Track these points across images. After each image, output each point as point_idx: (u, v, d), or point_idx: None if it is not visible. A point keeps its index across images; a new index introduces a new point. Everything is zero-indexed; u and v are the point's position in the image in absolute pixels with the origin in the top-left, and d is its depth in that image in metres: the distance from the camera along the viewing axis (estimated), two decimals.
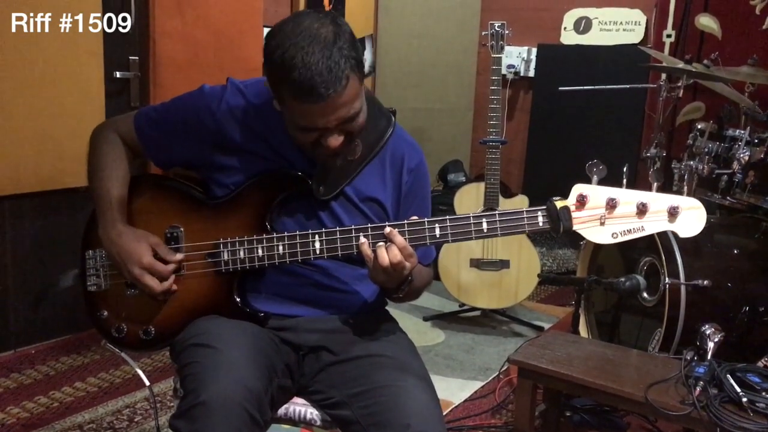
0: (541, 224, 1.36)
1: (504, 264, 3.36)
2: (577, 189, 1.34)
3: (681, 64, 2.98)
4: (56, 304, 2.98)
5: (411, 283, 1.46)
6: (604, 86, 3.78)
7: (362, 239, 1.39)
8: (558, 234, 1.36)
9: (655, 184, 1.37)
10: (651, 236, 2.36)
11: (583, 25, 4.54)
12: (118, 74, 3.07)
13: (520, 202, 3.43)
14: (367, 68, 4.67)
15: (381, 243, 1.37)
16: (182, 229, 1.53)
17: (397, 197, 1.57)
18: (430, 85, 4.88)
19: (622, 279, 2.21)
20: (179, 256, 1.51)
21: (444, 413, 2.52)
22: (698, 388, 1.73)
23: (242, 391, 1.25)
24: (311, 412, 1.49)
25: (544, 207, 1.35)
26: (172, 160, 1.60)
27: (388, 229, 1.37)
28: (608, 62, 4.34)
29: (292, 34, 1.30)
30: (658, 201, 1.32)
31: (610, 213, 1.33)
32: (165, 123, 1.56)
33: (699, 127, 2.87)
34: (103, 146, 1.59)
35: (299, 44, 1.29)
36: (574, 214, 1.34)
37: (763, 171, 2.53)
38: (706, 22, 3.81)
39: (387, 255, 1.35)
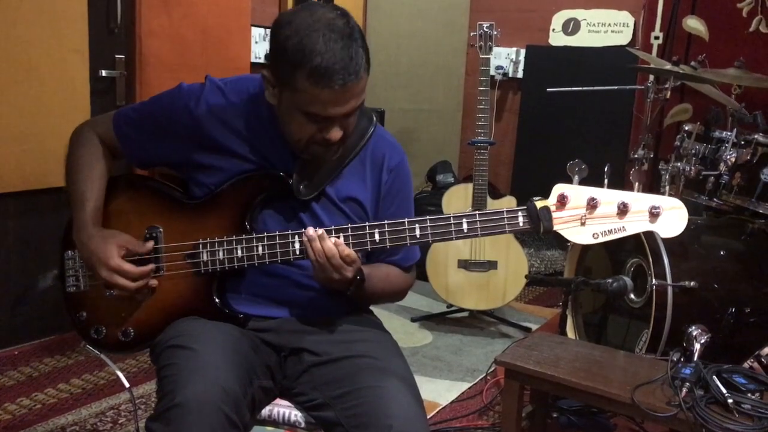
0: (521, 224, 1.35)
1: (492, 265, 3.35)
2: (558, 189, 1.33)
3: (668, 66, 2.98)
4: (40, 304, 2.94)
5: (361, 283, 1.44)
6: (592, 87, 3.78)
7: (303, 237, 1.38)
8: (539, 234, 1.35)
9: (637, 183, 1.37)
10: (638, 238, 2.38)
11: (571, 27, 4.55)
12: (103, 73, 3.05)
13: (508, 203, 3.43)
14: None
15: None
16: (162, 230, 1.51)
17: (376, 196, 1.56)
18: (418, 86, 4.87)
19: (609, 280, 2.21)
20: (149, 244, 1.49)
21: (431, 414, 2.53)
22: (684, 389, 1.72)
23: (219, 393, 1.24)
24: (295, 414, 1.48)
25: (525, 207, 1.35)
26: (151, 160, 1.59)
27: (320, 231, 1.37)
28: (596, 63, 4.34)
29: (310, 21, 1.31)
30: (640, 201, 1.31)
31: (590, 213, 1.32)
32: (143, 122, 1.54)
33: (686, 128, 2.87)
34: (80, 147, 1.57)
35: (320, 31, 1.30)
36: (554, 214, 1.33)
37: (750, 172, 2.54)
38: (694, 24, 3.83)
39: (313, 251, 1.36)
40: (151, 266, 1.49)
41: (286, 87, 1.36)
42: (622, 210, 1.31)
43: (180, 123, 1.49)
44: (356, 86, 1.33)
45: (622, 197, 1.31)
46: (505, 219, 1.35)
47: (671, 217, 1.31)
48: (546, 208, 1.33)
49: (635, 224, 1.31)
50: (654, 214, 1.30)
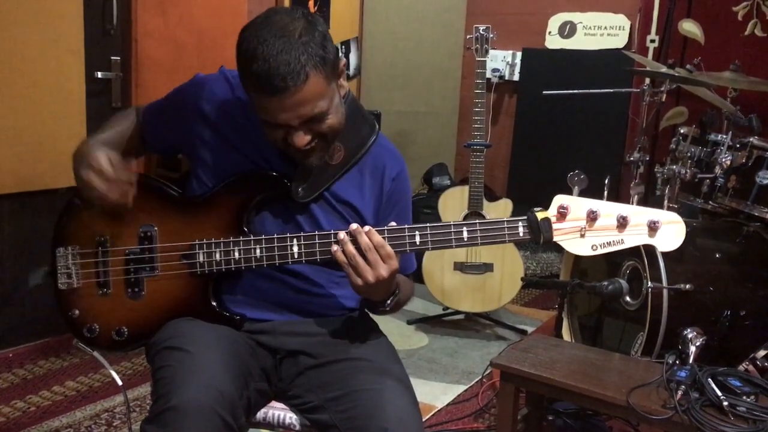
0: (521, 234, 1.35)
1: (488, 267, 3.35)
2: (558, 200, 1.34)
3: (664, 69, 2.99)
4: (35, 307, 2.93)
5: (398, 295, 1.45)
6: (588, 90, 3.79)
7: (335, 247, 1.36)
8: (538, 245, 1.36)
9: (636, 196, 1.38)
10: None
11: (567, 30, 4.56)
12: (99, 74, 3.04)
13: (504, 205, 3.43)
14: (352, 71, 4.66)
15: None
16: (156, 229, 1.50)
17: (376, 206, 1.55)
18: (415, 89, 4.87)
19: (605, 283, 2.21)
20: (132, 166, 1.51)
21: (426, 417, 2.52)
22: (680, 392, 1.73)
23: (215, 396, 1.24)
24: (290, 417, 1.47)
25: (525, 218, 1.35)
26: (163, 145, 1.62)
27: (354, 226, 1.35)
28: (592, 66, 4.36)
29: (260, 27, 1.30)
30: (639, 215, 1.32)
31: (590, 225, 1.33)
32: (161, 110, 1.59)
33: (682, 131, 2.88)
34: (120, 115, 1.65)
35: (262, 36, 1.28)
36: (554, 226, 1.34)
37: (745, 175, 2.55)
38: (689, 27, 3.83)
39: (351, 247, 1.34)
40: (129, 174, 1.47)
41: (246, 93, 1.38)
42: (622, 223, 1.32)
43: (188, 111, 1.51)
44: (300, 91, 1.28)
45: (621, 210, 1.32)
46: (506, 229, 1.36)
47: (669, 232, 1.32)
48: (547, 220, 1.34)
49: (634, 237, 1.32)
50: (653, 228, 1.32)
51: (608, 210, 1.33)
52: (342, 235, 1.36)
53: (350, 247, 1.34)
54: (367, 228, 1.35)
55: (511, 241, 1.40)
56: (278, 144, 1.40)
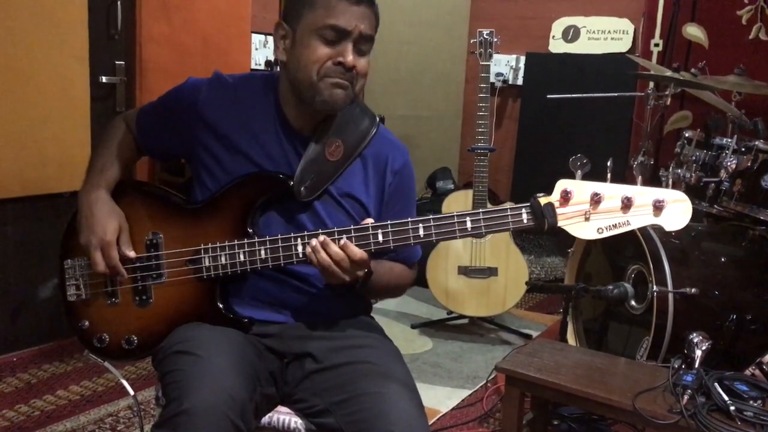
0: (525, 221, 1.34)
1: (492, 271, 3.35)
2: (561, 184, 1.33)
3: (668, 73, 2.99)
4: (39, 311, 2.94)
5: (368, 277, 1.43)
6: (592, 94, 3.78)
7: (308, 249, 1.38)
8: (543, 231, 1.34)
9: (640, 177, 1.37)
10: (638, 244, 2.38)
11: (571, 34, 4.56)
12: (103, 79, 3.05)
13: None
14: None
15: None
16: (162, 236, 1.51)
17: (380, 199, 1.55)
18: (418, 93, 4.88)
19: (610, 287, 2.21)
20: (131, 254, 1.49)
21: (431, 421, 2.52)
22: (686, 397, 1.72)
23: (226, 399, 1.23)
24: (295, 421, 1.47)
25: (528, 204, 1.34)
26: (162, 150, 1.62)
27: (321, 238, 1.36)
28: (596, 71, 4.35)
29: None
30: (643, 195, 1.31)
31: (594, 208, 1.32)
32: (155, 114, 1.59)
33: (686, 135, 2.87)
34: (110, 130, 1.63)
35: None
36: (558, 210, 1.32)
37: (750, 179, 2.54)
38: (693, 31, 3.83)
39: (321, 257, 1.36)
40: (125, 276, 1.50)
41: (302, 13, 1.40)
42: (626, 204, 1.30)
43: (183, 114, 1.51)
44: (373, 7, 1.41)
45: (625, 191, 1.31)
46: (509, 216, 1.35)
47: (675, 210, 1.30)
48: (550, 205, 1.32)
49: (639, 218, 1.31)
50: (658, 208, 1.30)
51: (612, 192, 1.31)
52: (314, 242, 1.37)
53: (323, 255, 1.36)
54: (344, 241, 1.36)
55: (516, 229, 1.38)
56: (313, 72, 1.41)
